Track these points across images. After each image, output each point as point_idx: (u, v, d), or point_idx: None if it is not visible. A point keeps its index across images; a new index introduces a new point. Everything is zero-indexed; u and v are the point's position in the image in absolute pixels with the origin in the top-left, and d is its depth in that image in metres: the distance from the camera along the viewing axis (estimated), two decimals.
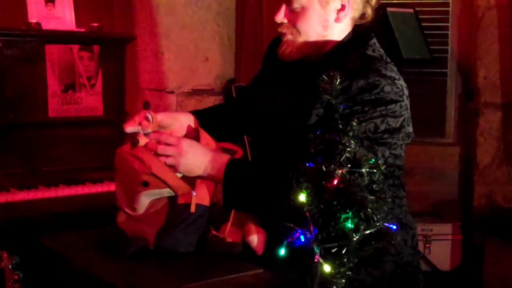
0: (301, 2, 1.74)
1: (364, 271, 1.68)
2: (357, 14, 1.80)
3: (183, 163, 1.71)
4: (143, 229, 1.74)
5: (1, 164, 2.83)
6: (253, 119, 1.96)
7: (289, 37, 1.80)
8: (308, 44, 1.78)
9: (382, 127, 1.65)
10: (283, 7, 1.78)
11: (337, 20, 1.77)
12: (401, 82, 1.71)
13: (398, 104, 1.67)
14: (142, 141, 1.74)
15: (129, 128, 1.76)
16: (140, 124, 1.74)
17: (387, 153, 1.70)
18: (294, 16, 1.77)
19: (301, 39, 1.78)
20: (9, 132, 2.86)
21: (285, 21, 1.79)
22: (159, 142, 1.73)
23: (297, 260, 1.47)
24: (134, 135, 1.75)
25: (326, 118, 1.68)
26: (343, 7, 1.76)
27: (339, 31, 1.80)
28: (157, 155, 1.71)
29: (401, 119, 1.69)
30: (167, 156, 1.71)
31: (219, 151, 1.79)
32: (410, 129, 1.76)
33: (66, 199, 2.82)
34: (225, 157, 1.74)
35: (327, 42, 1.79)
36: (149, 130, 1.75)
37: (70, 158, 3.00)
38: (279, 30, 1.82)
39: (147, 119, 1.74)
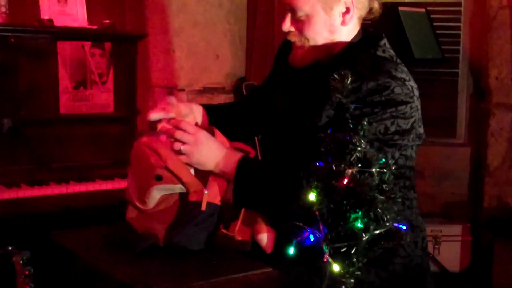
0: (305, 10, 1.73)
1: (374, 272, 1.68)
2: (363, 12, 1.79)
3: (197, 154, 1.71)
4: (153, 226, 1.75)
5: (13, 160, 2.85)
6: (264, 119, 1.96)
7: (298, 44, 1.79)
8: (317, 49, 1.78)
9: (392, 129, 1.64)
10: (288, 16, 1.77)
11: (343, 23, 1.76)
12: (412, 83, 1.70)
13: (409, 105, 1.66)
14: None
15: (153, 115, 1.78)
16: (164, 109, 1.76)
17: (397, 155, 1.69)
18: (300, 24, 1.76)
19: (309, 45, 1.78)
20: (20, 128, 2.87)
21: (292, 29, 1.78)
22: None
23: (306, 260, 1.47)
24: (156, 122, 1.77)
25: (336, 119, 1.67)
26: (347, 10, 1.75)
27: (347, 32, 1.79)
28: (175, 140, 1.72)
29: (412, 120, 1.68)
30: (183, 143, 1.71)
31: (232, 149, 1.79)
32: (421, 130, 1.75)
33: (77, 195, 2.83)
34: (238, 155, 1.74)
35: (337, 44, 1.78)
36: (172, 114, 1.77)
37: (80, 155, 3.01)
38: (288, 38, 1.81)
39: (171, 103, 1.76)
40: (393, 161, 1.66)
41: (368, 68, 1.67)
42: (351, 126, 1.33)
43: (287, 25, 1.78)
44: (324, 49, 1.78)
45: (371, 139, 1.58)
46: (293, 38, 1.79)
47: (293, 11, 1.75)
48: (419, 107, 1.72)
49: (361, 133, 1.32)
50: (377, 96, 1.64)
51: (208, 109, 1.98)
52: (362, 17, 1.80)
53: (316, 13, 1.74)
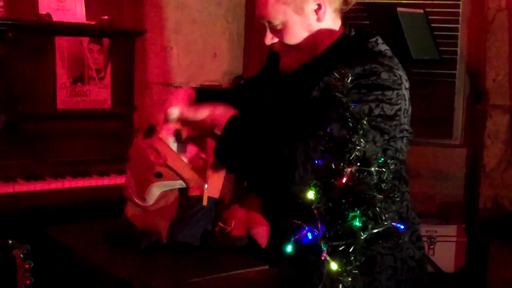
0: (279, 18, 1.74)
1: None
2: (337, 5, 1.78)
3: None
4: (155, 223, 1.75)
5: (9, 155, 2.85)
6: (254, 114, 1.97)
7: (284, 53, 1.82)
8: (302, 51, 1.79)
9: (376, 111, 1.63)
10: (268, 28, 1.79)
11: (318, 20, 1.76)
12: (400, 72, 1.69)
13: (395, 92, 1.65)
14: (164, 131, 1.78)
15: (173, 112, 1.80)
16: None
17: (378, 138, 1.67)
18: (279, 33, 1.77)
19: (293, 50, 1.79)
20: (17, 123, 2.87)
21: (275, 40, 1.80)
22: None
23: (303, 258, 1.48)
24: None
25: (323, 98, 1.67)
26: (319, 6, 1.75)
27: (327, 27, 1.79)
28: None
29: (396, 107, 1.66)
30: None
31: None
32: (406, 121, 1.71)
33: (73, 191, 2.83)
34: (235, 111, 1.76)
35: (321, 41, 1.78)
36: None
37: (77, 150, 3.01)
38: (274, 50, 1.85)
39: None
40: (373, 143, 1.64)
41: (355, 55, 1.68)
42: (351, 125, 1.33)
43: (269, 38, 1.80)
44: (309, 49, 1.78)
45: None
46: (278, 48, 1.82)
47: (269, 22, 1.77)
48: (407, 97, 1.70)
49: (361, 132, 1.32)
50: (364, 80, 1.63)
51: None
52: (339, 9, 1.80)
53: (290, 18, 1.74)
